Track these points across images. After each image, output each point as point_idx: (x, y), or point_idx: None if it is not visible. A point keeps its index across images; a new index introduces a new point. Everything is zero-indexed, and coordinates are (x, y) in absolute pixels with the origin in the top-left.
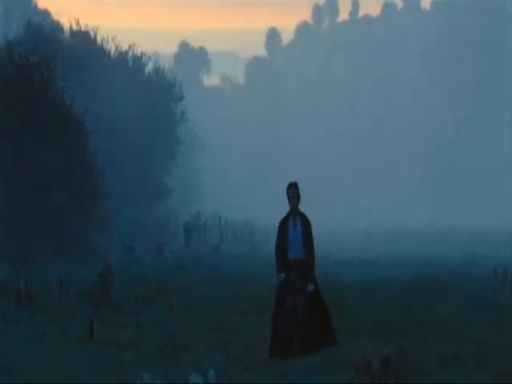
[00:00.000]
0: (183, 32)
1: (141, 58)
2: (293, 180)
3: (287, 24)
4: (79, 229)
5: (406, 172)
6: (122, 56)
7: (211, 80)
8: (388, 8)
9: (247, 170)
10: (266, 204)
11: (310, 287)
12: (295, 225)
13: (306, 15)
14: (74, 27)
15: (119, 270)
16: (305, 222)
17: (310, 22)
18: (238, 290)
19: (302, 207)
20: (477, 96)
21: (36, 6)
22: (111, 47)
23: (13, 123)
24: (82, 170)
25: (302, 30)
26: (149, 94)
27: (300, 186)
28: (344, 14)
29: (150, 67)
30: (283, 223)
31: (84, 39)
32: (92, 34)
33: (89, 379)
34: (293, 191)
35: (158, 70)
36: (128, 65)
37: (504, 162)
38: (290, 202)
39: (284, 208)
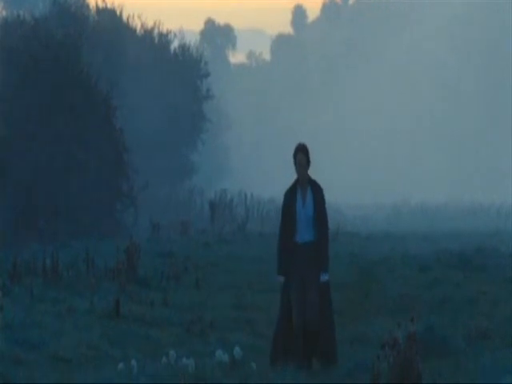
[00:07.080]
0: (209, 9)
1: (167, 35)
2: (305, 144)
3: (313, 1)
4: (105, 205)
5: (433, 147)
6: (148, 33)
7: (237, 57)
8: None
9: (273, 147)
10: (292, 181)
11: (324, 277)
12: (304, 199)
13: None
14: (100, 4)
15: (145, 247)
16: (316, 194)
17: None
18: (264, 268)
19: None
20: (503, 73)
21: None
22: (137, 24)
23: (39, 100)
24: (108, 146)
25: (328, 6)
26: (174, 71)
27: (328, 163)
28: None
29: (175, 44)
30: (290, 198)
31: (110, 16)
32: (118, 12)
33: (115, 355)
34: (300, 157)
35: (183, 47)
36: (154, 42)
37: None
38: (297, 170)
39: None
